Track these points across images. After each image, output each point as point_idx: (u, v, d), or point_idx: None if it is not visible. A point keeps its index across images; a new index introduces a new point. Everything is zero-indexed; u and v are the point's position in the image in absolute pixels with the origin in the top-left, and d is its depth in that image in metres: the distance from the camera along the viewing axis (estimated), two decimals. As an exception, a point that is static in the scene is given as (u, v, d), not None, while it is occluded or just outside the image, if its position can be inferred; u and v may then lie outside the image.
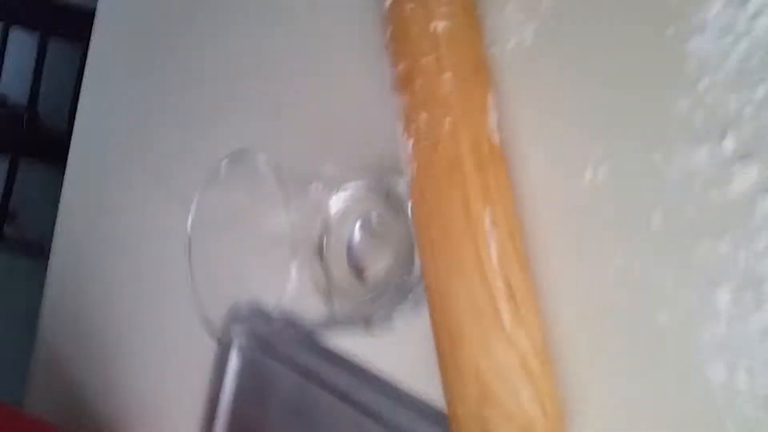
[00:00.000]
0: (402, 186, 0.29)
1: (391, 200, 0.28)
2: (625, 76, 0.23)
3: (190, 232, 0.28)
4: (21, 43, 1.90)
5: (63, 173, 0.55)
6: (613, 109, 0.24)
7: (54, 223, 0.54)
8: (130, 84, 0.49)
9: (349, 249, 0.29)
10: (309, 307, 0.28)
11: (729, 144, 0.21)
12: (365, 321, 0.28)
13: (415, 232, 0.25)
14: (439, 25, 0.24)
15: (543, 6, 0.25)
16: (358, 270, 0.29)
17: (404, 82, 0.25)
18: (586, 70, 0.24)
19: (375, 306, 0.27)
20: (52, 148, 1.58)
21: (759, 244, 0.20)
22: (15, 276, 1.95)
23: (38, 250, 1.75)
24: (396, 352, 0.30)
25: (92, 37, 0.53)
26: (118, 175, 0.49)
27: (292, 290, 0.24)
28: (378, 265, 0.29)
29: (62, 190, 0.55)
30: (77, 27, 1.44)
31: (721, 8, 0.21)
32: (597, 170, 0.24)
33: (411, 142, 0.24)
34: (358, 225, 0.29)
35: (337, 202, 0.29)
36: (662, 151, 0.22)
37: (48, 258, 0.55)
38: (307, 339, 0.33)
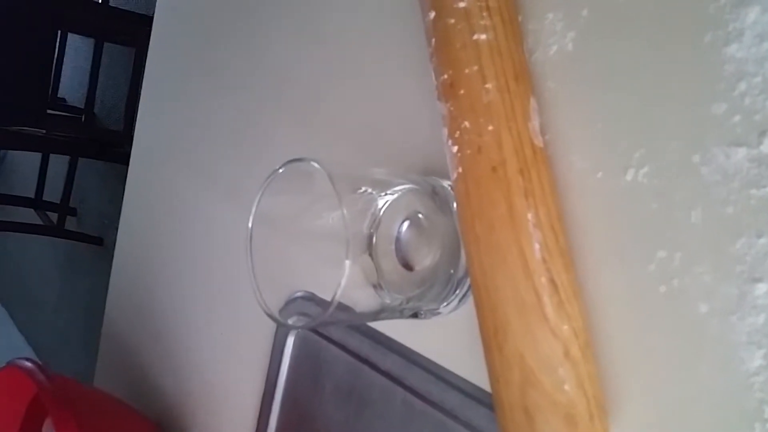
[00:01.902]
0: (446, 187, 0.29)
1: (436, 200, 0.29)
2: (664, 80, 0.23)
3: (251, 227, 0.29)
4: (77, 49, 1.96)
5: (118, 171, 0.57)
6: (652, 112, 0.24)
7: (110, 217, 0.56)
8: (187, 88, 0.50)
9: (398, 245, 0.30)
10: (362, 297, 0.29)
11: (767, 146, 0.21)
12: (414, 310, 0.29)
13: (461, 231, 0.25)
14: (481, 37, 0.24)
15: (583, 14, 0.26)
16: (407, 265, 0.30)
17: (448, 92, 0.25)
18: (626, 76, 0.24)
19: (424, 297, 0.28)
20: (108, 147, 1.63)
21: (796, 241, 0.20)
22: (77, 264, 2.02)
23: (97, 240, 1.81)
24: (443, 340, 0.30)
25: (151, 43, 0.54)
26: (176, 173, 0.51)
27: (346, 282, 0.24)
28: (425, 260, 0.29)
29: (125, 187, 0.57)
30: (130, 32, 1.48)
31: (759, 15, 0.21)
32: (638, 171, 0.24)
33: (456, 148, 0.25)
34: (406, 223, 0.30)
35: (385, 203, 0.30)
36: (701, 152, 0.23)
37: (105, 247, 0.58)
38: (359, 325, 0.34)
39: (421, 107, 0.32)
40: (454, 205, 0.29)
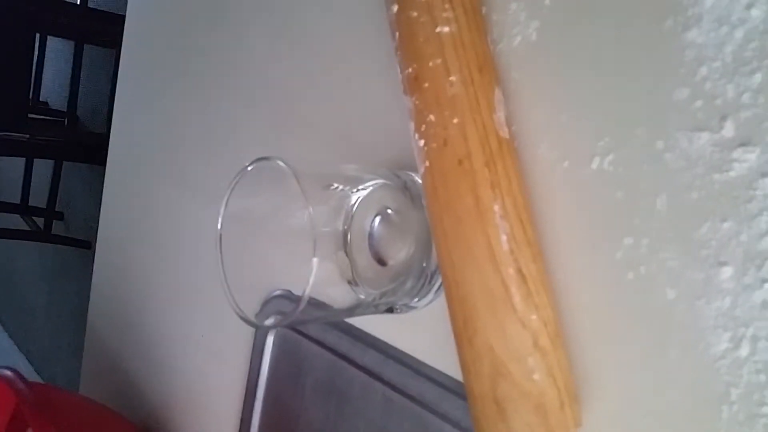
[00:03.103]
0: (417, 181, 0.29)
1: (407, 194, 0.29)
2: (626, 68, 0.23)
3: (221, 229, 0.28)
4: (58, 52, 1.94)
5: (104, 173, 0.57)
6: (616, 100, 0.24)
7: (97, 220, 0.56)
8: (161, 88, 0.49)
9: (371, 241, 0.30)
10: (338, 293, 0.29)
11: (728, 130, 0.21)
12: (389, 305, 0.29)
13: (430, 224, 0.25)
14: (444, 30, 0.24)
15: (546, 3, 0.25)
16: (380, 260, 0.30)
17: (413, 85, 0.25)
18: (589, 64, 0.24)
19: (397, 291, 0.28)
20: (92, 149, 1.61)
21: (760, 224, 0.20)
22: (65, 269, 2.01)
23: (85, 244, 1.80)
24: (419, 333, 0.30)
25: (123, 43, 0.53)
26: (152, 175, 0.50)
27: (315, 280, 0.24)
28: (399, 254, 0.29)
29: (103, 189, 0.56)
30: (110, 33, 1.46)
31: (716, 0, 0.21)
32: (604, 159, 0.24)
33: (422, 142, 0.25)
34: (378, 219, 0.30)
35: (358, 199, 0.30)
36: (664, 138, 0.22)
37: (93, 250, 0.57)
38: (338, 322, 0.33)
39: (391, 102, 0.32)
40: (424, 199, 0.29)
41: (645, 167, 0.23)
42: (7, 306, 2.37)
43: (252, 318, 0.27)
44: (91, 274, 0.57)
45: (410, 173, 0.30)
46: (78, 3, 1.65)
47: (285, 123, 0.38)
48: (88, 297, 0.58)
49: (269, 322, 0.32)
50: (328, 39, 0.36)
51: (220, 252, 0.28)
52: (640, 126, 0.23)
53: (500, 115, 0.25)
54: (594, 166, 0.24)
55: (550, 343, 0.23)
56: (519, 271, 0.23)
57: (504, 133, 0.24)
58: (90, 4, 1.69)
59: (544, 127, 0.25)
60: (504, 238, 0.23)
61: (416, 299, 0.28)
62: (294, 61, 0.38)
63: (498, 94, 0.25)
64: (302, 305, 0.24)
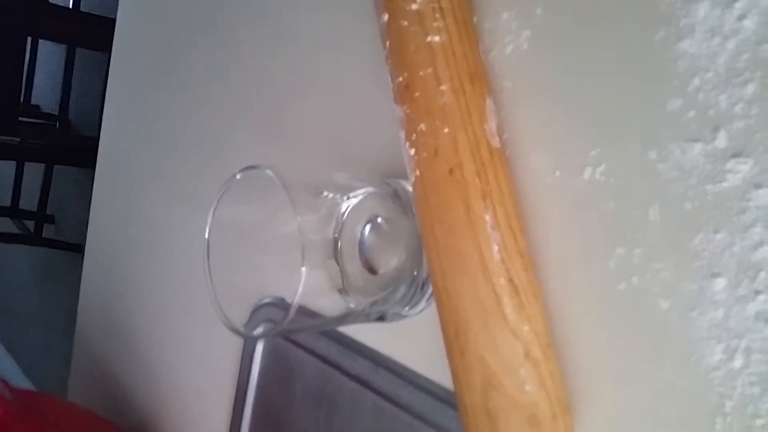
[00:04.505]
0: (408, 189, 0.29)
1: (398, 202, 0.28)
2: (619, 78, 0.23)
3: (208, 237, 0.28)
4: (49, 55, 1.92)
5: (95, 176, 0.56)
6: (608, 110, 0.23)
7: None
8: (151, 93, 0.49)
9: (362, 249, 0.30)
10: (328, 302, 0.29)
11: (721, 141, 0.21)
12: (380, 314, 0.28)
13: (421, 234, 0.25)
14: (434, 39, 0.24)
15: (537, 12, 0.25)
16: (371, 269, 0.29)
17: (404, 94, 0.25)
18: (582, 74, 0.24)
19: (388, 300, 0.27)
20: (84, 152, 1.60)
21: (753, 236, 0.20)
22: (56, 272, 1.98)
23: (76, 247, 1.78)
24: (410, 342, 0.30)
25: (113, 47, 0.53)
26: (141, 179, 0.49)
27: (305, 289, 0.24)
28: (389, 263, 0.29)
29: (92, 194, 0.55)
30: (102, 36, 1.45)
31: (708, 11, 0.21)
32: (595, 169, 0.23)
33: (413, 151, 0.24)
34: (368, 227, 0.29)
35: (348, 207, 0.29)
36: (657, 149, 0.22)
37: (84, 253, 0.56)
38: (328, 330, 0.33)
39: (381, 110, 0.31)
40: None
41: (637, 178, 0.23)
42: (-3, 310, 2.34)
43: (240, 327, 0.26)
44: (80, 275, 0.57)
45: (401, 181, 0.30)
46: (70, 6, 1.64)
47: (275, 129, 0.38)
48: (77, 300, 0.57)
49: (258, 331, 0.32)
50: (319, 45, 0.35)
51: (207, 260, 0.27)
52: (633, 136, 0.23)
53: (491, 124, 0.24)
54: (586, 176, 0.24)
55: (541, 353, 0.22)
56: (510, 281, 0.22)
57: (495, 142, 0.24)
58: (82, 8, 1.67)
59: (535, 137, 0.25)
60: (495, 247, 0.22)
61: (407, 308, 0.28)
62: (284, 67, 0.37)
63: (489, 103, 0.25)
64: (292, 314, 0.23)
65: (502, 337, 0.22)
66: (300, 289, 0.23)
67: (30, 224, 1.78)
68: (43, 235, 1.76)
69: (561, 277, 0.24)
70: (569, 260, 0.24)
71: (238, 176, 0.26)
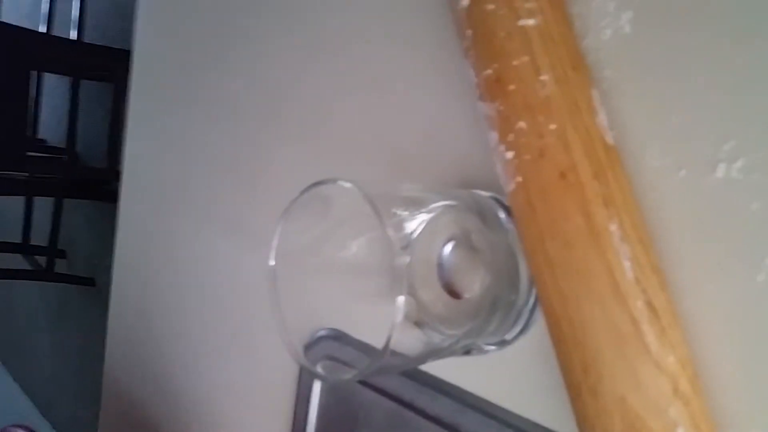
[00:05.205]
0: (490, 200, 0.25)
1: (482, 216, 0.25)
2: (754, 53, 0.19)
3: (273, 265, 0.24)
4: (54, 88, 1.90)
5: (105, 209, 0.52)
6: (742, 97, 0.20)
7: (101, 256, 0.51)
8: (175, 120, 0.46)
9: (441, 272, 0.26)
10: (404, 339, 0.25)
11: None
12: (468, 347, 0.25)
13: (526, 251, 0.21)
14: (529, 23, 0.20)
15: (640, -12, 0.22)
16: (453, 293, 0.26)
17: (495, 89, 0.21)
18: (703, 56, 0.20)
19: (482, 330, 0.24)
20: (93, 185, 1.57)
21: None
22: (69, 308, 1.95)
23: (89, 281, 1.74)
24: (503, 377, 0.26)
25: (132, 77, 0.50)
26: (171, 210, 0.46)
27: (396, 323, 0.20)
28: (476, 285, 0.25)
29: (117, 228, 0.52)
30: (107, 67, 1.43)
31: None
32: (731, 166, 0.20)
33: (511, 154, 0.21)
34: (449, 246, 0.25)
35: (420, 224, 0.26)
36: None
37: (98, 288, 0.53)
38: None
39: (450, 110, 0.28)
40: (503, 218, 0.25)
41: (783, 171, 0.19)
42: (11, 348, 2.30)
43: (320, 370, 0.23)
44: (96, 312, 0.53)
45: (479, 191, 0.26)
46: (74, 38, 1.62)
47: (319, 143, 0.34)
48: (94, 336, 0.53)
49: (322, 367, 0.28)
50: (363, 42, 0.32)
51: (275, 291, 0.23)
52: (774, 123, 0.19)
53: (602, 117, 0.21)
54: (719, 174, 0.20)
55: (691, 388, 0.18)
56: (649, 303, 0.18)
57: (609, 138, 0.20)
58: (85, 39, 1.66)
59: (650, 132, 0.21)
60: (627, 264, 0.19)
61: (502, 337, 0.24)
62: (324, 72, 0.34)
63: (596, 93, 0.21)
64: (387, 354, 0.19)
65: (645, 372, 0.18)
66: (397, 322, 0.19)
67: (42, 260, 1.75)
68: (55, 271, 1.73)
69: (699, 296, 0.20)
70: (707, 275, 0.20)
71: (304, 195, 0.22)
